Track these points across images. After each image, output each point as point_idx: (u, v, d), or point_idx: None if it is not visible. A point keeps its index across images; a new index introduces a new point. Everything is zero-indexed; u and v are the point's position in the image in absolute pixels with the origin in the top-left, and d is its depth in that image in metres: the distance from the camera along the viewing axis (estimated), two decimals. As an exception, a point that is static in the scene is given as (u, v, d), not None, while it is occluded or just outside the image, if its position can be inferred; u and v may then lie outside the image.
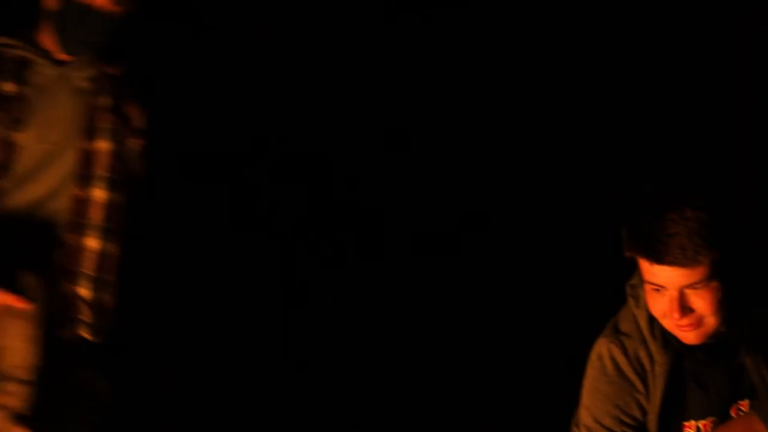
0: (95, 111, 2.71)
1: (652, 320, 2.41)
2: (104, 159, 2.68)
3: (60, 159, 2.65)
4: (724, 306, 2.31)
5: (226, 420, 3.51)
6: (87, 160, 2.67)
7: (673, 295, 2.28)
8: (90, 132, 2.69)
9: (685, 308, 2.29)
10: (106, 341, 2.68)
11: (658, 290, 2.30)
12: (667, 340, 2.40)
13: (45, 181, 2.63)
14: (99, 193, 2.67)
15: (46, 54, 2.70)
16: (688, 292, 2.28)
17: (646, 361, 2.42)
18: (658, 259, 2.24)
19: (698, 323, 2.32)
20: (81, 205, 2.65)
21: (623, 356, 2.44)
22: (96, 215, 2.66)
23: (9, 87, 2.64)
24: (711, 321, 2.32)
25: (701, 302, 2.29)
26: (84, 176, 2.66)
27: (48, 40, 2.71)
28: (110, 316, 2.68)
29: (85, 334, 2.63)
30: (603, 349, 2.46)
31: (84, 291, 2.64)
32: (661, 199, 2.31)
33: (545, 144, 3.74)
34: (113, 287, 2.68)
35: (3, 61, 2.67)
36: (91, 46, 2.68)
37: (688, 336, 2.34)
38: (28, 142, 2.62)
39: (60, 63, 2.71)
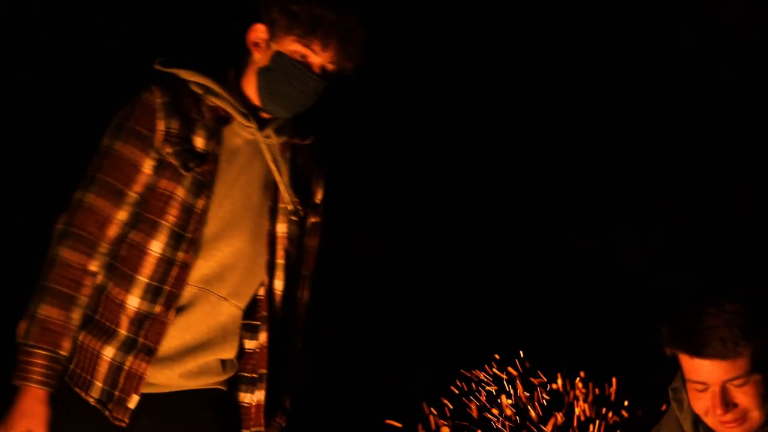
0: (279, 190, 2.45)
1: (696, 424, 2.38)
2: (283, 244, 2.44)
3: (236, 233, 2.40)
4: None
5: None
6: (273, 244, 2.43)
7: (715, 390, 2.26)
8: (274, 213, 2.44)
9: (728, 404, 2.26)
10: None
11: (701, 389, 2.28)
12: (713, 441, 2.37)
13: (218, 256, 2.39)
14: (278, 285, 2.45)
15: (246, 110, 2.42)
16: (731, 387, 2.26)
17: (692, 463, 2.38)
18: (699, 352, 2.23)
19: (743, 419, 2.29)
20: (267, 294, 2.43)
21: (670, 462, 2.40)
22: (268, 308, 2.44)
23: (202, 142, 2.38)
24: (756, 416, 2.28)
25: (744, 397, 2.26)
26: (271, 264, 2.43)
27: (250, 93, 2.44)
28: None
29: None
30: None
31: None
32: (699, 293, 2.32)
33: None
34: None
35: (200, 109, 2.40)
36: (297, 108, 2.41)
37: (734, 432, 2.30)
38: (212, 210, 2.37)
39: (255, 122, 2.42)
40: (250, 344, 2.47)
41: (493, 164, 3.84)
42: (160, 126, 2.35)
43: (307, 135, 2.53)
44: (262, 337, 2.44)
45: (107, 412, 2.31)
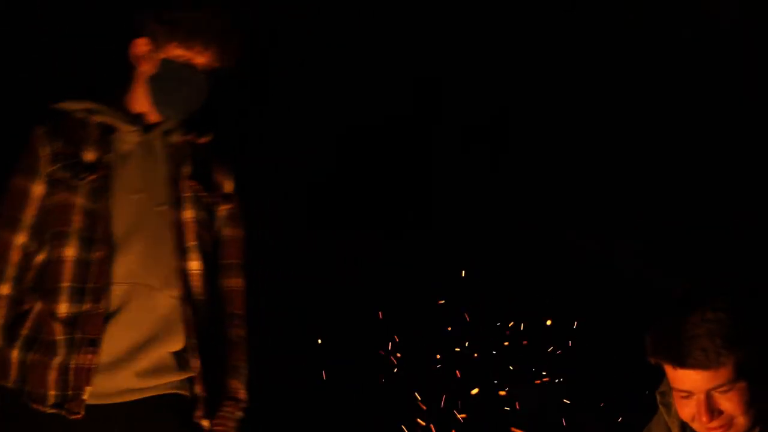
0: (180, 181, 2.64)
1: (684, 428, 2.41)
2: (192, 228, 2.61)
3: (146, 228, 2.58)
4: (756, 405, 2.29)
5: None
6: (181, 230, 2.60)
7: (700, 398, 2.27)
8: (178, 202, 2.62)
9: (713, 411, 2.28)
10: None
11: (685, 396, 2.31)
12: (701, 445, 2.39)
13: (135, 249, 2.56)
14: (194, 265, 2.61)
15: (132, 119, 2.64)
16: (715, 394, 2.27)
17: (681, 468, 2.41)
18: (681, 362, 2.25)
19: (729, 425, 2.30)
20: (185, 277, 2.58)
21: (659, 466, 2.43)
22: (197, 287, 2.60)
23: (91, 154, 2.59)
24: (741, 422, 2.30)
25: (729, 404, 2.28)
26: (181, 249, 2.59)
27: (142, 103, 2.66)
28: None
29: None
30: (638, 461, 2.47)
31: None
32: (682, 303, 2.33)
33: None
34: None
35: (86, 128, 2.61)
36: (189, 107, 2.63)
37: (721, 438, 2.33)
38: (114, 210, 2.55)
39: (146, 128, 2.65)
40: None
41: (492, 164, 3.88)
42: (45, 152, 2.57)
43: (203, 134, 2.71)
44: (196, 315, 2.59)
45: (64, 412, 2.46)
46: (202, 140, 2.71)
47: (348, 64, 3.81)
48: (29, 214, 2.57)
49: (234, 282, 2.72)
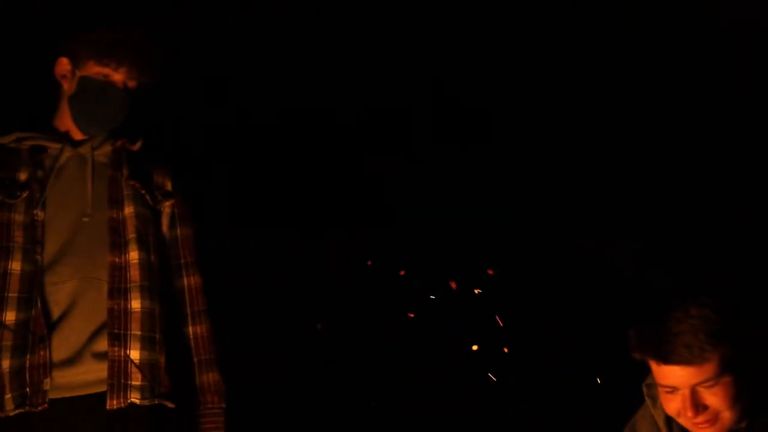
0: (118, 182, 2.76)
1: (669, 420, 2.43)
2: (132, 223, 2.72)
3: (88, 231, 2.69)
4: (742, 400, 2.31)
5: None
6: (117, 227, 2.71)
7: (685, 393, 2.30)
8: (116, 202, 2.73)
9: (698, 406, 2.30)
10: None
11: (670, 392, 2.33)
12: (687, 439, 2.40)
13: (80, 248, 2.67)
14: (133, 255, 2.69)
15: (60, 138, 2.77)
16: (700, 389, 2.29)
17: (667, 461, 2.42)
18: (665, 359, 2.27)
19: (714, 419, 2.32)
20: (119, 270, 2.66)
21: (644, 458, 2.44)
22: (135, 276, 2.67)
23: (23, 175, 2.72)
24: (727, 416, 2.32)
25: (715, 398, 2.30)
26: (117, 243, 2.69)
27: (66, 122, 2.79)
28: (164, 376, 2.65)
29: (136, 398, 2.60)
30: (624, 452, 2.49)
31: (135, 353, 2.62)
32: (665, 298, 2.36)
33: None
34: (162, 345, 2.67)
35: (18, 154, 2.74)
36: (110, 123, 2.76)
37: (706, 433, 2.35)
38: (53, 219, 2.68)
39: (77, 144, 2.78)
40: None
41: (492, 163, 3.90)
42: None
43: (134, 141, 2.83)
44: (134, 302, 2.65)
45: (27, 408, 2.54)
46: (134, 147, 2.82)
47: (347, 59, 3.84)
48: None
49: (192, 280, 2.80)
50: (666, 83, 3.83)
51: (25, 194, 2.69)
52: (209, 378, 2.76)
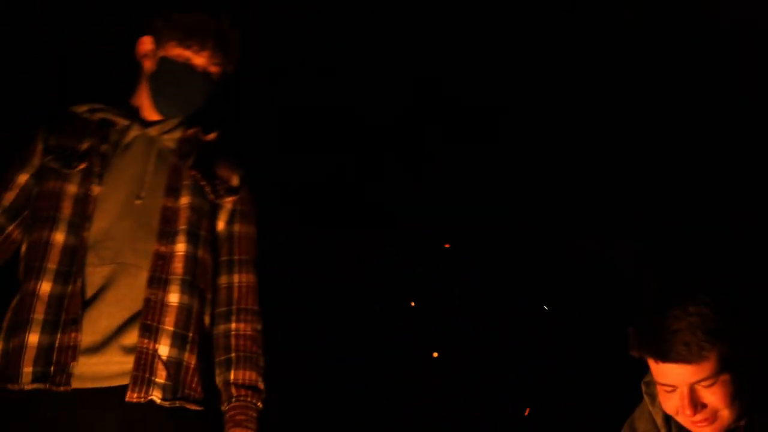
0: (180, 170, 2.67)
1: (668, 418, 2.42)
2: (185, 214, 2.62)
3: (137, 215, 2.60)
4: (740, 398, 2.30)
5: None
6: (169, 217, 2.61)
7: (683, 392, 2.29)
8: (173, 190, 2.64)
9: (697, 404, 2.29)
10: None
11: (669, 390, 2.33)
12: (685, 437, 2.40)
13: (122, 232, 2.57)
14: (180, 247, 2.59)
15: (132, 115, 2.70)
16: (699, 388, 2.29)
17: (665, 459, 2.42)
18: (664, 357, 2.27)
19: (713, 418, 2.31)
20: (163, 260, 2.57)
21: (643, 456, 2.44)
22: (177, 268, 2.57)
23: (85, 146, 2.64)
24: (726, 414, 2.31)
25: (713, 397, 2.29)
26: (166, 232, 2.59)
27: (144, 101, 2.73)
28: (191, 379, 2.54)
29: (157, 397, 2.48)
30: (622, 450, 2.48)
31: (164, 349, 2.51)
32: (664, 296, 2.35)
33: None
34: (195, 346, 2.55)
35: (87, 125, 2.68)
36: (187, 107, 2.70)
37: (705, 431, 2.34)
38: (105, 196, 2.59)
39: (149, 124, 2.70)
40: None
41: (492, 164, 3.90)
42: (39, 146, 2.66)
43: (209, 131, 2.76)
44: (172, 295, 2.56)
45: (48, 385, 2.43)
46: (209, 137, 2.76)
47: (351, 65, 3.85)
48: (8, 197, 2.63)
49: (244, 277, 2.70)
50: (666, 83, 3.82)
51: (82, 166, 2.62)
52: (245, 375, 2.62)
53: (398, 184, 3.81)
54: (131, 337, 2.50)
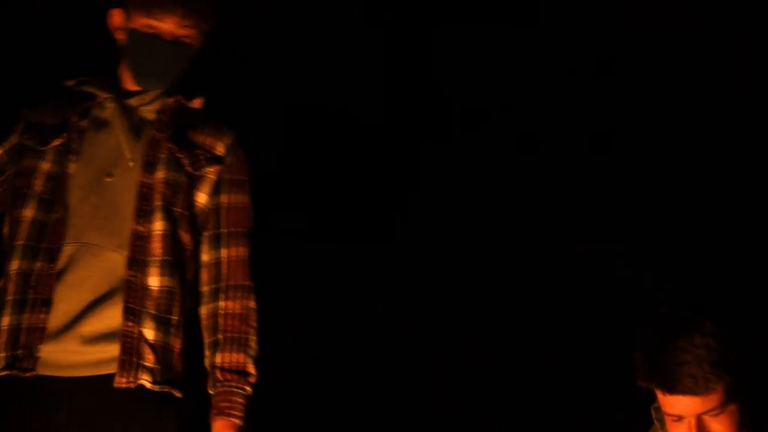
0: (159, 143, 2.54)
1: (678, 443, 2.43)
2: (160, 189, 2.50)
3: (109, 192, 2.49)
4: (746, 427, 2.32)
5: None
6: (145, 194, 2.49)
7: (691, 422, 2.30)
8: (149, 165, 2.51)
9: (704, 433, 2.30)
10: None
11: (676, 420, 2.33)
12: (694, 463, 2.41)
13: (88, 211, 2.46)
14: (157, 225, 2.47)
15: (113, 88, 2.60)
16: (706, 418, 2.30)
17: (674, 484, 2.43)
18: (671, 389, 2.27)
19: (720, 446, 2.33)
20: (141, 240, 2.44)
21: (652, 481, 2.46)
22: (156, 249, 2.45)
23: (62, 121, 2.55)
24: (732, 442, 2.33)
25: (720, 426, 2.30)
26: (143, 210, 2.48)
27: (125, 75, 2.61)
28: (176, 362, 2.43)
29: (147, 380, 2.37)
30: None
31: (149, 332, 2.40)
32: (670, 325, 2.34)
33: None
34: (180, 329, 2.44)
35: (71, 100, 2.58)
36: (164, 77, 2.57)
37: (712, 459, 2.35)
38: (79, 172, 2.50)
39: (130, 95, 2.59)
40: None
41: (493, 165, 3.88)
42: (20, 125, 2.59)
43: (191, 98, 2.63)
44: (152, 278, 2.44)
45: (16, 371, 2.33)
46: (193, 104, 2.64)
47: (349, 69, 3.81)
48: None
49: (233, 251, 2.54)
50: (666, 83, 3.80)
51: (56, 142, 2.53)
52: (231, 358, 2.47)
53: (398, 185, 3.79)
54: (92, 324, 2.38)
